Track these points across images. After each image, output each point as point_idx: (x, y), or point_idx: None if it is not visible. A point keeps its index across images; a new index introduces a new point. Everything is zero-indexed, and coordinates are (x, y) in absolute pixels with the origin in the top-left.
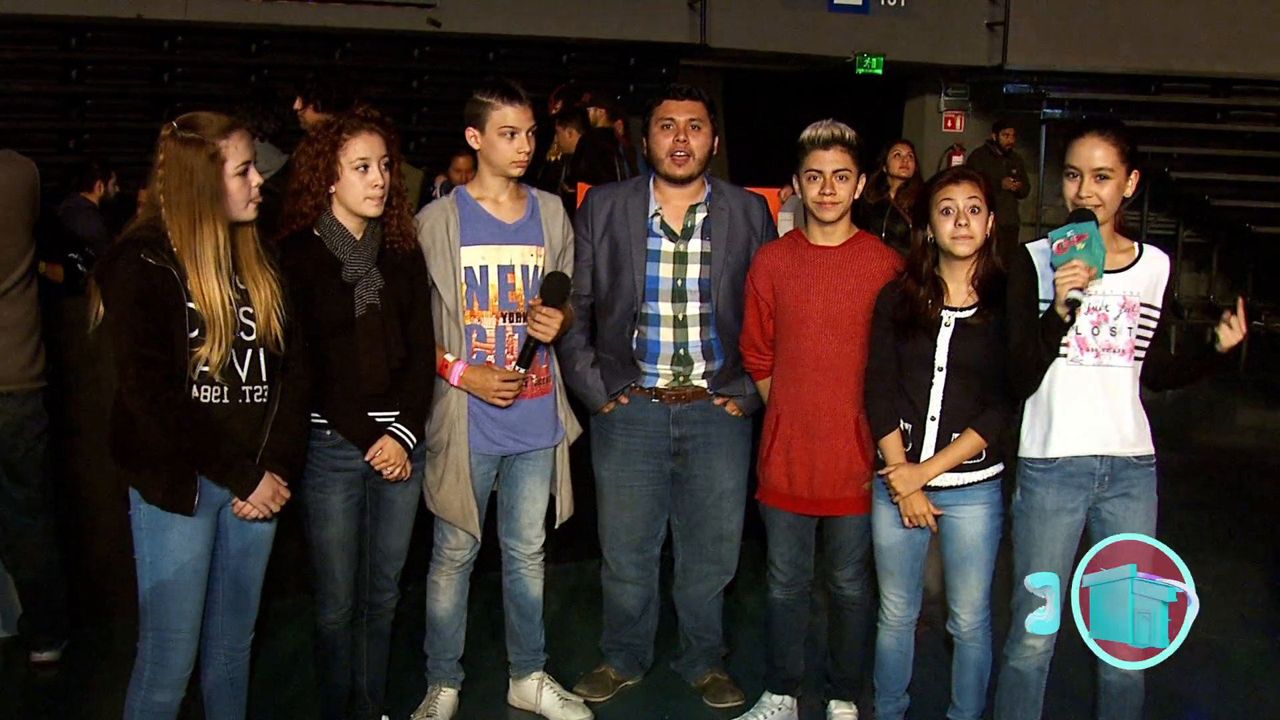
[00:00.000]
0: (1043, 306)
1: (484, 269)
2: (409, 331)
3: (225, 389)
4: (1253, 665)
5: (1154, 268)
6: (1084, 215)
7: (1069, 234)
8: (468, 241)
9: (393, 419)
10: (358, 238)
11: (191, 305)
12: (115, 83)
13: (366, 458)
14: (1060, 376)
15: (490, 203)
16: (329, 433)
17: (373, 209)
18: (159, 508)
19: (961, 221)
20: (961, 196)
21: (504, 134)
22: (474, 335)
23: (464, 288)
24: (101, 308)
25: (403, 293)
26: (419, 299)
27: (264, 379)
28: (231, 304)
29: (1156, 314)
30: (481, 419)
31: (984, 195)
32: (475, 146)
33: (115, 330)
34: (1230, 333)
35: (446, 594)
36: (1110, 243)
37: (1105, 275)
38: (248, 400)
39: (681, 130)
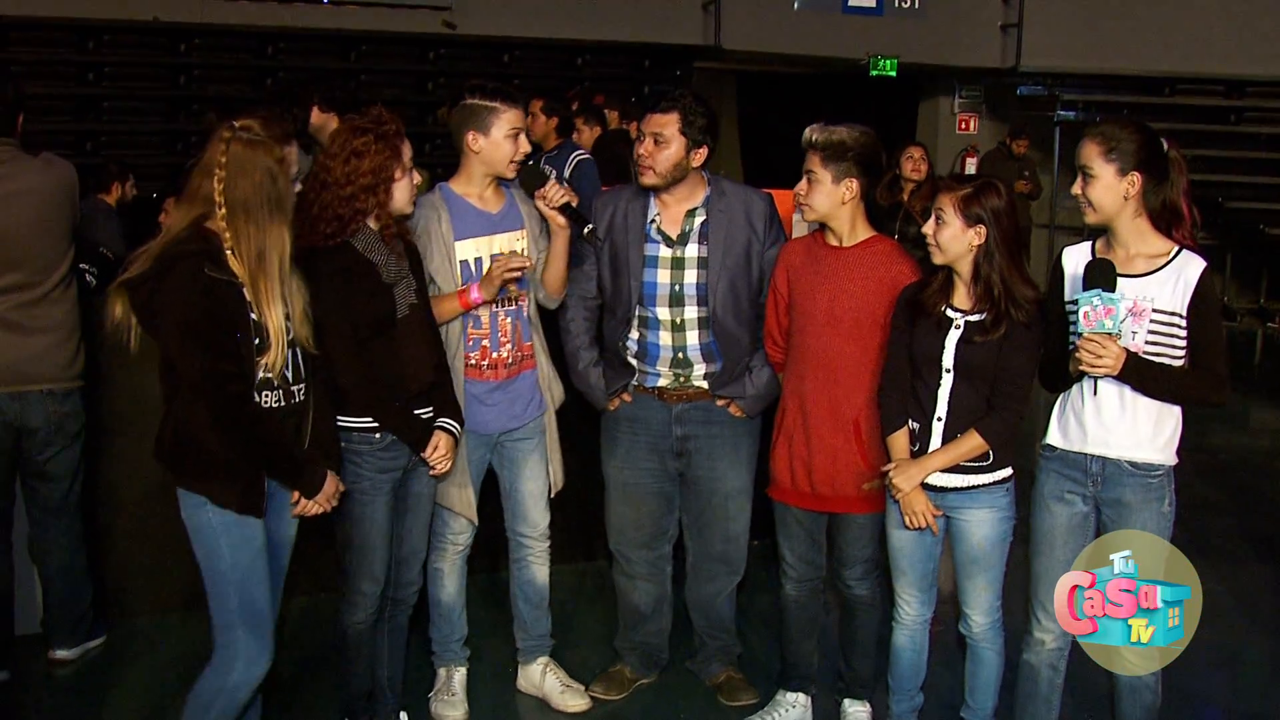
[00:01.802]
0: (1067, 308)
1: (479, 260)
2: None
3: (282, 392)
4: (1265, 667)
5: (1183, 275)
6: (1105, 271)
7: (1095, 302)
8: (460, 236)
9: (431, 414)
10: (384, 240)
11: (253, 315)
12: (132, 85)
13: (424, 455)
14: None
15: (476, 199)
16: (378, 435)
17: (412, 208)
18: (234, 512)
19: (927, 230)
20: (936, 206)
21: (511, 136)
22: (470, 322)
23: (460, 280)
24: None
25: (423, 290)
26: (426, 294)
27: (304, 377)
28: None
29: (1181, 322)
30: (471, 403)
31: (958, 209)
32: (475, 150)
33: (184, 346)
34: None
35: (450, 579)
36: (1137, 242)
37: (1119, 278)
38: (296, 400)
39: (644, 143)
